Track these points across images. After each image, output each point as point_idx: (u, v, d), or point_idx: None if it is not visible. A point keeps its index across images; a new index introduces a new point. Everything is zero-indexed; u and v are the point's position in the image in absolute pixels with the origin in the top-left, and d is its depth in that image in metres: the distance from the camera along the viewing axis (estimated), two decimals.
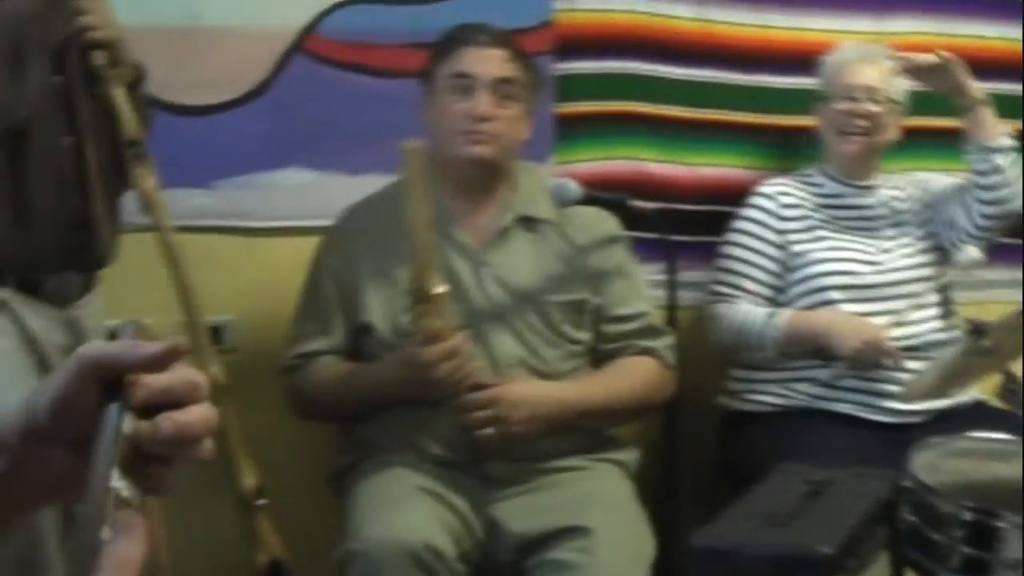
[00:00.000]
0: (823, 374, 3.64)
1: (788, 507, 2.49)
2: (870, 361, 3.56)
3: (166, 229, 2.91)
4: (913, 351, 3.62)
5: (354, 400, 3.26)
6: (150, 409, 1.03)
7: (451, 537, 3.00)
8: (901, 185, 3.88)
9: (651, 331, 3.41)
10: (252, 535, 2.93)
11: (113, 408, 1.02)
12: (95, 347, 1.05)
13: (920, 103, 3.89)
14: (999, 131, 3.65)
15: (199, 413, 1.05)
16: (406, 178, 3.02)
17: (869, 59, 3.82)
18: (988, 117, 3.64)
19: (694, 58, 4.06)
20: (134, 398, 1.02)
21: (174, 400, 1.04)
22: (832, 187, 3.84)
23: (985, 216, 3.65)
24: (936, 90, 3.69)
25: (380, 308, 3.25)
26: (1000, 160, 3.62)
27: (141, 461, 1.01)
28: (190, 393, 1.06)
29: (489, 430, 3.11)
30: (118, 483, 0.95)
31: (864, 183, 3.85)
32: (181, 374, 1.06)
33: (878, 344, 3.54)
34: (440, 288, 3.01)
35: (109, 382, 1.04)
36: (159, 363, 1.04)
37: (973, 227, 3.67)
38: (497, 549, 3.13)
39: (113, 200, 3.12)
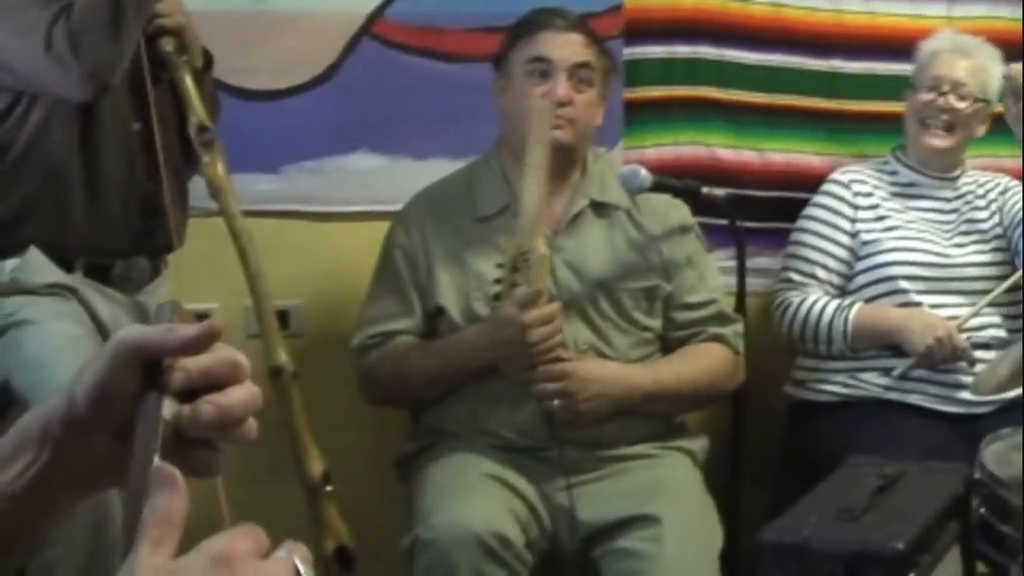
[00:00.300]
0: (894, 368, 3.59)
1: (859, 501, 2.46)
2: (942, 358, 3.51)
3: (234, 216, 2.92)
4: (984, 348, 3.56)
5: (433, 372, 3.24)
6: (191, 392, 1.02)
7: (519, 525, 2.99)
8: (983, 182, 3.79)
9: (721, 318, 3.39)
10: (319, 521, 2.93)
11: (152, 394, 1.01)
12: (132, 332, 1.03)
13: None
14: None
15: (240, 394, 1.03)
16: (532, 135, 3.03)
17: (963, 51, 3.73)
18: None
19: (765, 42, 4.02)
20: (173, 382, 1.01)
21: (214, 382, 1.03)
22: (908, 175, 3.78)
23: None
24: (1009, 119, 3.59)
25: (452, 292, 3.24)
26: None
27: (184, 445, 1.00)
28: (231, 374, 1.04)
29: (556, 403, 3.09)
30: None
31: (943, 174, 3.78)
32: (221, 355, 1.04)
33: (951, 341, 3.49)
34: (545, 250, 3.03)
35: (148, 367, 1.02)
36: (196, 346, 1.02)
37: None
38: (565, 537, 3.12)
39: (182, 185, 3.13)
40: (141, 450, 0.96)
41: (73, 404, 1.04)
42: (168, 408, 0.99)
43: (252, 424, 1.05)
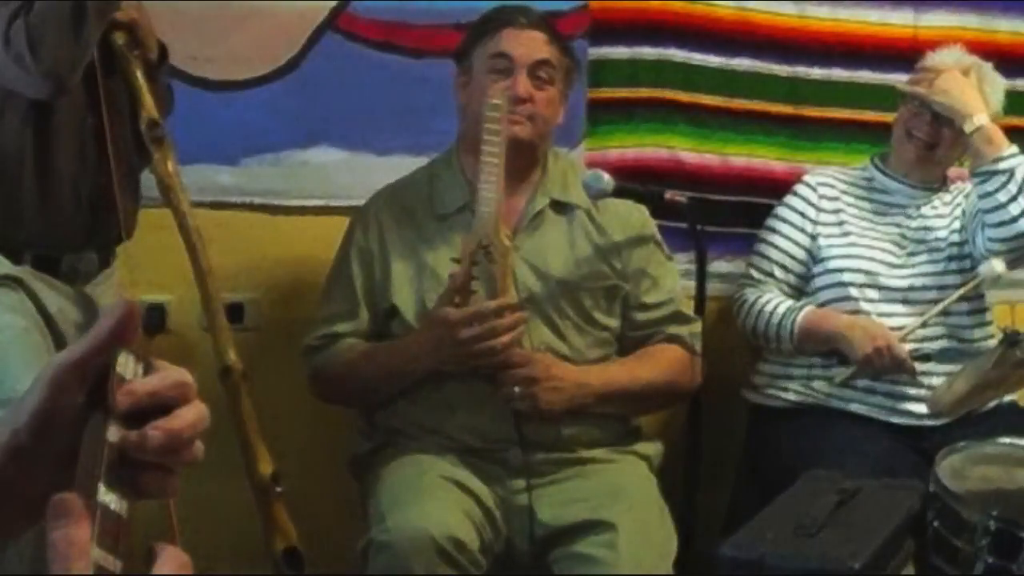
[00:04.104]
0: (837, 375, 3.60)
1: (817, 517, 2.46)
2: (880, 368, 3.51)
3: (184, 213, 2.91)
4: (926, 359, 3.56)
5: (379, 376, 3.22)
6: (139, 414, 0.99)
7: (475, 528, 2.97)
8: (968, 192, 3.74)
9: (677, 318, 3.39)
10: (268, 522, 2.91)
11: (96, 418, 0.98)
12: (65, 353, 1.02)
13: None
14: (989, 156, 3.53)
15: (188, 417, 1.02)
16: (487, 129, 3.03)
17: (964, 70, 3.66)
18: (982, 143, 3.55)
19: (730, 47, 4.00)
20: (120, 405, 0.98)
21: (162, 404, 1.01)
22: (884, 183, 3.76)
23: (991, 239, 3.55)
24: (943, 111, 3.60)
25: (407, 292, 3.22)
26: (989, 186, 3.53)
27: (133, 468, 0.98)
28: (180, 395, 1.02)
29: (517, 390, 3.08)
30: (105, 496, 0.92)
31: (923, 185, 3.76)
32: (168, 376, 1.02)
33: (889, 352, 3.48)
34: (508, 242, 3.06)
35: (91, 389, 1.00)
36: (123, 332, 1.00)
37: (984, 248, 3.58)
38: (520, 541, 3.11)
39: (134, 177, 3.10)
40: (84, 476, 0.94)
41: (15, 435, 1.02)
42: (114, 432, 0.97)
43: (199, 446, 1.03)
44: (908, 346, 3.52)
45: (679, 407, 3.59)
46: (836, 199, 3.74)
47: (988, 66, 3.69)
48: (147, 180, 3.08)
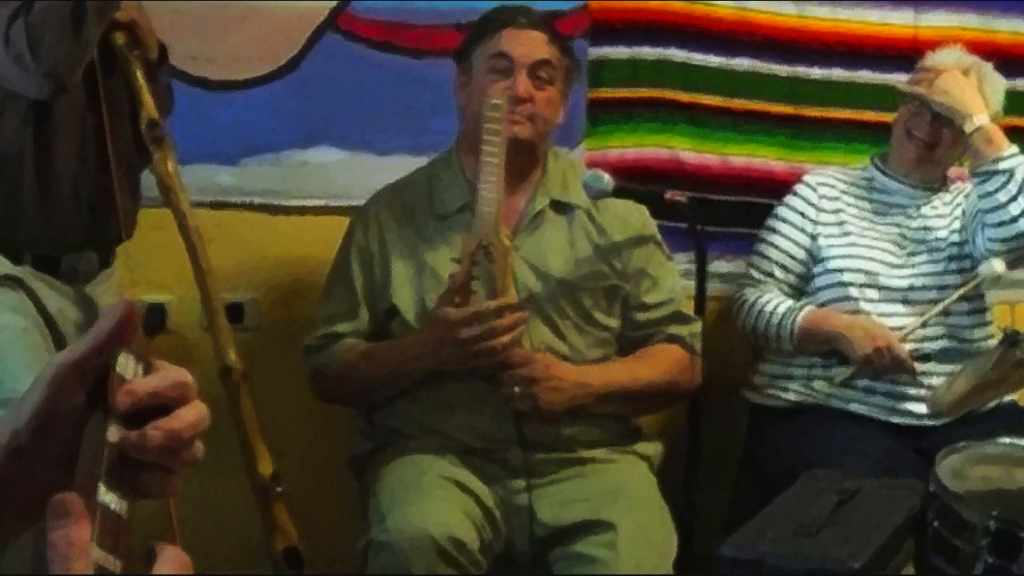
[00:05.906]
0: (837, 375, 3.60)
1: (817, 517, 2.46)
2: (880, 368, 3.51)
3: (183, 213, 2.91)
4: (926, 359, 3.56)
5: (379, 376, 3.22)
6: (140, 413, 1.00)
7: (474, 528, 2.97)
8: (968, 192, 3.74)
9: (678, 318, 3.39)
10: (268, 522, 2.91)
11: (96, 417, 0.99)
12: (65, 353, 1.02)
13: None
14: (989, 156, 3.52)
15: (188, 417, 1.02)
16: (486, 129, 3.04)
17: (964, 70, 3.65)
18: (982, 143, 3.55)
19: (730, 47, 4.00)
20: (121, 405, 0.98)
21: (162, 403, 1.01)
22: (884, 183, 3.76)
23: (991, 239, 3.55)
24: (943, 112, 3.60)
25: (407, 292, 3.22)
26: (989, 186, 3.53)
27: (134, 468, 0.98)
28: (180, 395, 1.02)
29: (517, 389, 3.08)
30: (105, 496, 0.92)
31: (922, 185, 3.76)
32: (168, 376, 1.02)
33: (889, 352, 3.49)
34: (507, 242, 3.06)
35: (91, 388, 1.00)
36: (121, 333, 1.01)
37: (984, 248, 3.58)
38: (520, 541, 3.11)
39: (134, 177, 3.10)
40: (84, 476, 0.94)
41: (15, 435, 1.02)
42: (114, 432, 0.97)
43: (199, 446, 1.04)
44: (908, 346, 3.52)
45: (679, 407, 3.59)
46: (836, 199, 3.74)
47: (988, 66, 3.69)
48: (147, 180, 3.08)
